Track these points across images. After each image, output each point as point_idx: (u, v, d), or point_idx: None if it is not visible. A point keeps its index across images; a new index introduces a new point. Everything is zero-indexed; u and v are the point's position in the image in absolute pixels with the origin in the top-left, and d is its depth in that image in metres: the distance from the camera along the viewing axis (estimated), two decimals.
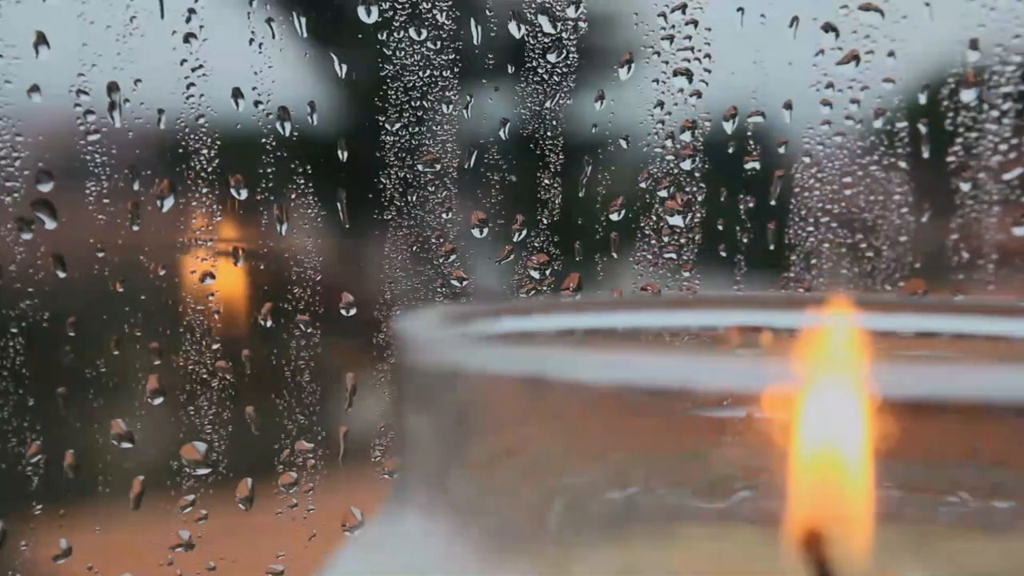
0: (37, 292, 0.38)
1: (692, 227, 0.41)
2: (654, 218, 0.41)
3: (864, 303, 0.23)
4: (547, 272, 0.41)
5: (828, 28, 0.39)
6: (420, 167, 0.41)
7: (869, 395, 0.16)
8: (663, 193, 0.41)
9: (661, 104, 0.41)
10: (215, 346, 0.40)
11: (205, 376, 0.40)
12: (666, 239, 0.41)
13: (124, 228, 0.39)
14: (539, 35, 0.40)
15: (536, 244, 0.41)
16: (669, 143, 0.41)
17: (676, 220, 0.41)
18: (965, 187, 0.40)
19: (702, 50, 0.40)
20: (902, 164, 0.40)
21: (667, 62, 0.40)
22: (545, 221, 0.41)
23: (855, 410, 0.17)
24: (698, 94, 0.41)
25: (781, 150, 0.41)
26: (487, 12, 0.40)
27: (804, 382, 0.17)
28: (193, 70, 0.39)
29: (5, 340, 0.38)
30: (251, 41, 0.39)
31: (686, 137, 0.41)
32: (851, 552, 0.17)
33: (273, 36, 0.39)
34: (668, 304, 0.25)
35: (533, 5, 0.40)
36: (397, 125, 0.40)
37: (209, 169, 0.39)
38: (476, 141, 0.41)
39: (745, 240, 0.41)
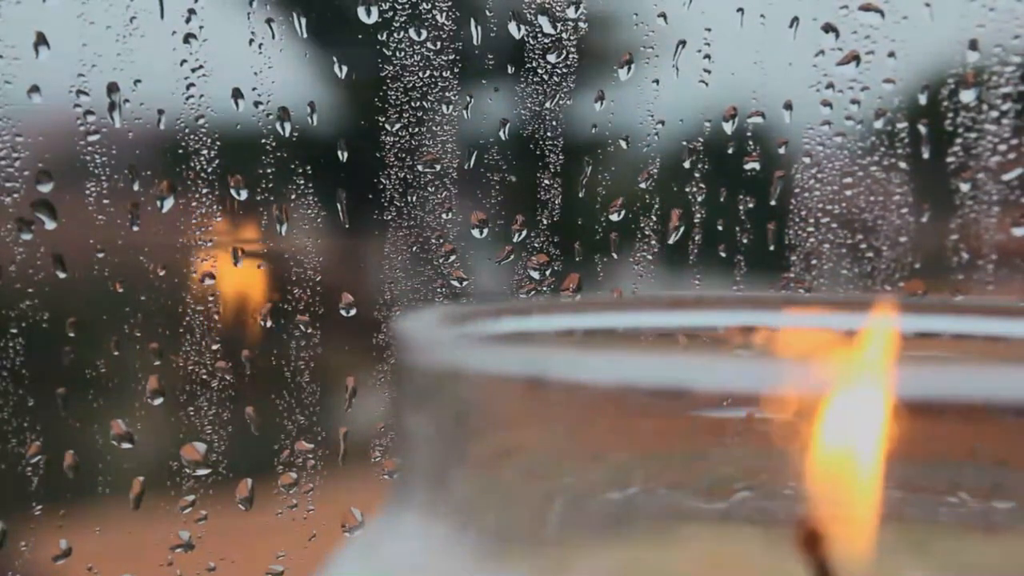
0: (37, 292, 0.38)
1: (691, 228, 0.41)
2: (654, 218, 0.41)
3: (864, 303, 0.23)
4: (547, 272, 0.41)
5: (828, 28, 0.39)
6: (420, 167, 0.41)
7: (870, 395, 0.16)
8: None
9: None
10: (215, 346, 0.40)
11: (205, 376, 0.40)
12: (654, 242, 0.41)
13: (124, 228, 0.39)
14: (539, 35, 0.40)
15: (536, 244, 0.41)
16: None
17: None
18: (965, 187, 0.40)
19: (702, 50, 0.40)
20: (902, 164, 0.40)
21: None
22: (545, 221, 0.41)
23: (855, 410, 0.17)
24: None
25: (781, 150, 0.41)
26: (487, 12, 0.40)
27: (804, 382, 0.17)
28: (193, 70, 0.39)
29: (5, 340, 0.38)
30: (251, 41, 0.39)
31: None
32: (851, 552, 0.17)
33: (273, 36, 0.39)
34: (668, 304, 0.25)
35: (533, 5, 0.40)
36: (397, 125, 0.40)
37: (209, 169, 0.39)
38: (476, 141, 0.41)
39: (745, 240, 0.41)
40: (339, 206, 0.41)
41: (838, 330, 0.23)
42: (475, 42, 0.40)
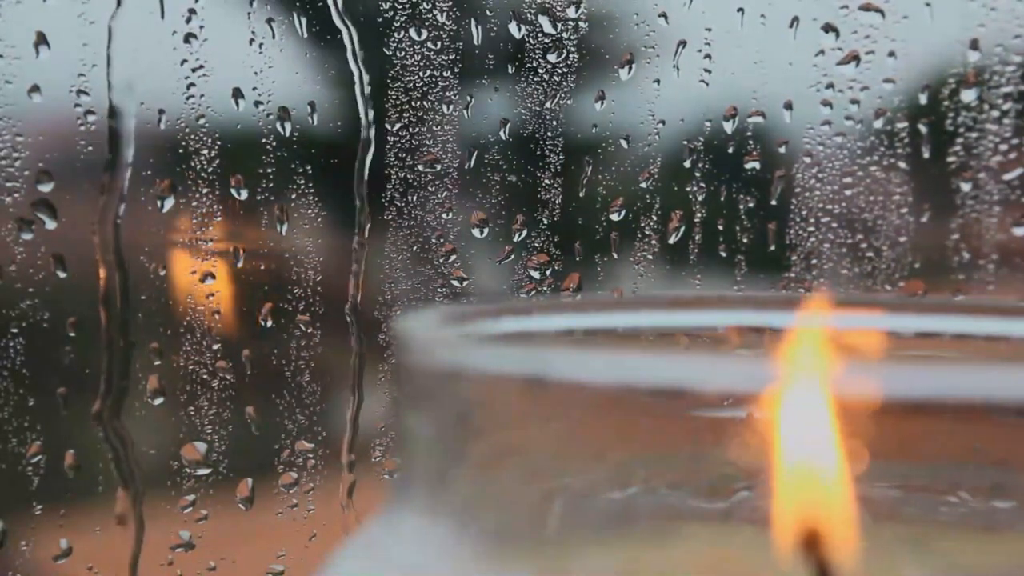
0: (37, 292, 0.38)
1: (692, 227, 0.41)
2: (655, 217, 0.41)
3: (864, 303, 0.23)
4: (547, 272, 0.41)
5: (828, 28, 0.39)
6: (420, 167, 0.41)
7: (870, 395, 0.16)
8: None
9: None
10: (215, 346, 0.40)
11: (205, 376, 0.40)
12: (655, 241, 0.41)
13: (124, 228, 0.39)
14: (539, 35, 0.40)
15: (536, 244, 0.41)
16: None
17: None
18: (965, 187, 0.40)
19: (702, 50, 0.40)
20: (902, 164, 0.40)
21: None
22: (545, 221, 0.41)
23: (856, 410, 0.17)
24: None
25: (781, 150, 0.41)
26: (487, 12, 0.40)
27: (804, 382, 0.17)
28: (193, 70, 0.39)
29: (5, 340, 0.38)
30: (251, 41, 0.39)
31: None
32: (851, 552, 0.17)
33: (273, 36, 0.39)
34: (668, 304, 0.25)
35: (533, 5, 0.40)
36: (397, 125, 0.40)
37: (209, 169, 0.39)
38: (476, 141, 0.41)
39: (745, 240, 0.41)
40: (358, 206, 0.41)
41: (833, 329, 0.23)
42: (475, 42, 0.40)
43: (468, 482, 0.19)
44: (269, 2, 0.39)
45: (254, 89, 0.39)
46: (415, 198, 0.41)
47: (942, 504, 0.21)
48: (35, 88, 0.37)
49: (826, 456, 0.17)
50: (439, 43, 0.40)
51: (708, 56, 0.40)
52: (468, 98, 0.41)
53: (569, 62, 0.41)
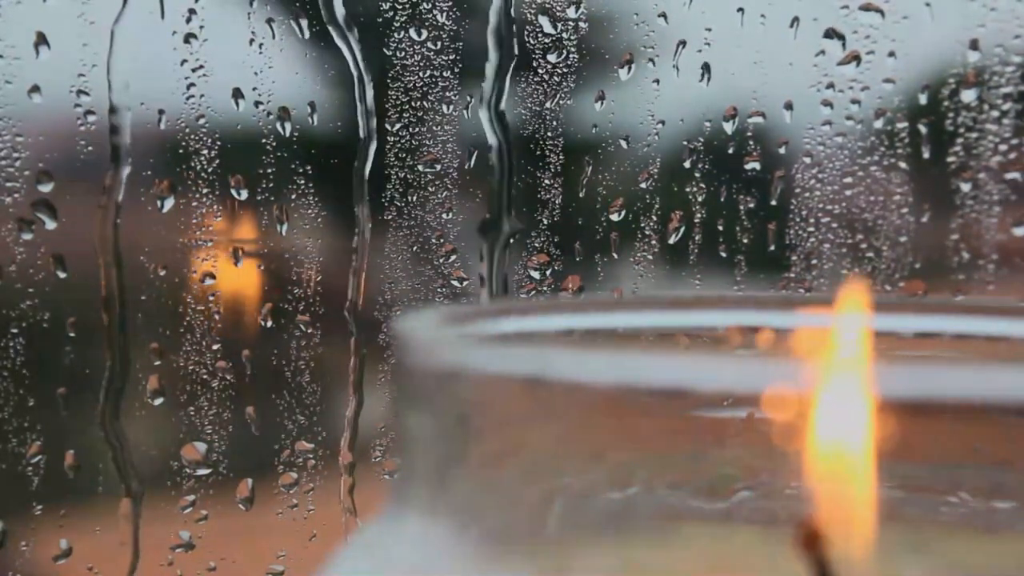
0: (37, 292, 0.38)
1: (692, 227, 0.41)
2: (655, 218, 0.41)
3: (864, 303, 0.23)
4: (547, 272, 0.41)
5: (830, 34, 0.39)
6: (420, 167, 0.41)
7: (871, 395, 0.16)
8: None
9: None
10: (215, 346, 0.40)
11: (205, 376, 0.40)
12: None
13: (124, 227, 0.39)
14: (539, 35, 0.40)
15: (536, 244, 0.41)
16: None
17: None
18: (965, 187, 0.40)
19: (702, 50, 0.40)
20: (902, 164, 0.40)
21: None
22: (545, 221, 0.41)
23: (856, 410, 0.17)
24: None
25: (781, 150, 0.41)
26: (487, 12, 0.40)
27: (805, 382, 0.17)
28: (193, 70, 0.39)
29: (5, 340, 0.38)
30: (251, 41, 0.39)
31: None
32: (851, 552, 0.17)
33: (273, 36, 0.39)
34: (668, 304, 0.25)
35: (533, 5, 0.40)
36: (397, 125, 0.40)
37: (209, 169, 0.39)
38: (476, 141, 0.41)
39: (745, 240, 0.41)
40: (354, 210, 0.41)
41: (834, 329, 0.23)
42: (475, 42, 0.40)
43: (468, 482, 0.19)
44: (269, 2, 0.39)
45: (254, 89, 0.39)
46: (415, 198, 0.41)
47: (942, 504, 0.21)
48: (35, 88, 0.37)
49: (827, 456, 0.17)
50: (439, 43, 0.40)
51: (708, 56, 0.40)
52: (468, 98, 0.41)
53: (569, 62, 0.41)
